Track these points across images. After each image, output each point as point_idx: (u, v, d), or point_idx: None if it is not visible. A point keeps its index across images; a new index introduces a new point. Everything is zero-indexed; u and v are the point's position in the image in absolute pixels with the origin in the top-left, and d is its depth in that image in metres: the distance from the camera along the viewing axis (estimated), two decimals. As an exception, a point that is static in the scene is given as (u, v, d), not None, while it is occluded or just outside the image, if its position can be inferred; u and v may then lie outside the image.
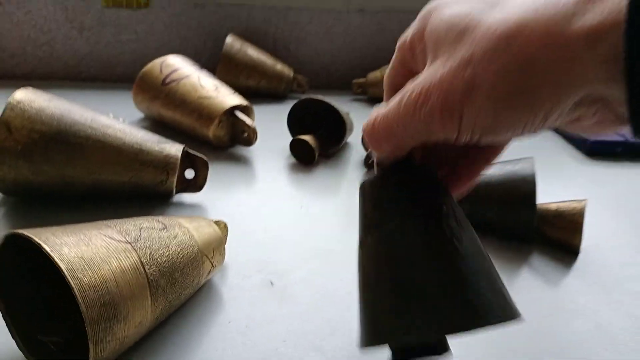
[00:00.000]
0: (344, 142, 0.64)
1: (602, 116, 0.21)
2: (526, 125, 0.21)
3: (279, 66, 0.80)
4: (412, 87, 0.23)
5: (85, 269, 0.29)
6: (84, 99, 0.74)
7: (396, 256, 0.23)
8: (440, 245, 0.23)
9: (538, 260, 0.46)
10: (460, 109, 0.21)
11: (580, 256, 0.47)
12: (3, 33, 0.80)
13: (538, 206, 0.47)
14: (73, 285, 0.27)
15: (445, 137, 0.23)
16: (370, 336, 0.24)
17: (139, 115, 0.69)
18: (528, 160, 0.48)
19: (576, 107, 0.20)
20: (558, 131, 0.76)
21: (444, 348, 0.25)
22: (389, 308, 0.23)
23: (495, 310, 0.21)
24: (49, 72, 0.84)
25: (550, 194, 0.58)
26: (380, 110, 0.25)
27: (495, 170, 0.47)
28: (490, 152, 0.27)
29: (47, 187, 0.46)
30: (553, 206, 0.47)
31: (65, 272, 0.28)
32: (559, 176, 0.64)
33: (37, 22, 0.80)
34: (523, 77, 0.20)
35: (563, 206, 0.47)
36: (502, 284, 0.24)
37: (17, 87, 0.76)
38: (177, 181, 0.49)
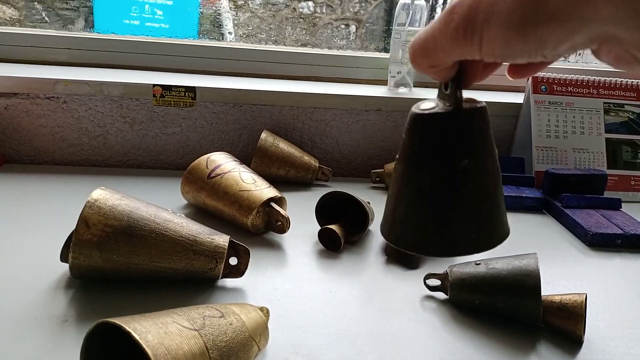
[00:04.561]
0: (366, 230, 0.71)
1: (617, 54, 0.22)
2: (536, 53, 0.22)
3: (306, 158, 0.89)
4: (449, 5, 0.25)
5: (166, 354, 0.36)
6: (133, 185, 0.84)
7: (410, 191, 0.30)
8: (445, 190, 0.29)
9: (545, 348, 0.51)
10: (481, 32, 0.23)
11: (584, 345, 0.52)
12: (65, 126, 0.91)
13: (543, 298, 0.52)
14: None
15: (471, 56, 0.24)
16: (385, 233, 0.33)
17: (184, 202, 0.78)
18: (532, 256, 0.54)
19: (589, 42, 0.22)
20: (562, 221, 0.83)
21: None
22: (402, 222, 0.31)
23: (463, 245, 0.30)
24: (101, 160, 0.94)
25: (555, 285, 0.64)
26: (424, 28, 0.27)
27: (503, 265, 0.54)
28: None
29: (113, 272, 0.53)
30: (557, 298, 0.53)
31: (152, 358, 0.34)
32: (563, 266, 0.69)
33: (95, 117, 0.91)
34: (536, 9, 0.21)
35: (566, 298, 0.52)
36: (489, 222, 0.30)
37: (72, 172, 0.86)
38: (222, 267, 0.56)
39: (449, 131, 0.29)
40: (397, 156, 0.31)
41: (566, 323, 0.52)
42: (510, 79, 0.30)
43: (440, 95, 0.30)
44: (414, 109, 0.30)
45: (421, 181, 0.30)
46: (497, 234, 0.31)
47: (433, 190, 0.29)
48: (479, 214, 0.30)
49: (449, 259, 0.68)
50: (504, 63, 0.25)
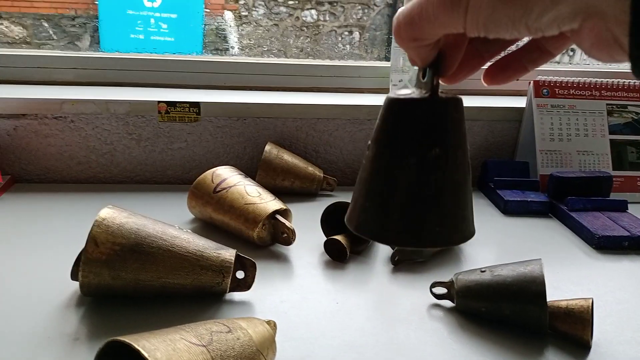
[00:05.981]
0: (371, 240, 0.72)
1: (598, 34, 0.23)
2: (520, 21, 0.23)
3: (311, 168, 0.90)
4: None
5: (175, 370, 0.36)
6: (141, 201, 0.85)
7: (381, 176, 0.30)
8: (413, 182, 0.29)
9: (552, 354, 0.51)
10: (467, 1, 0.24)
11: (592, 350, 0.52)
12: (73, 145, 0.93)
13: (549, 303, 0.52)
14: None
15: (455, 27, 0.25)
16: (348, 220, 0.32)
17: (191, 216, 0.79)
18: (537, 262, 0.54)
19: (574, 15, 0.23)
20: (568, 224, 0.83)
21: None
22: (361, 206, 0.31)
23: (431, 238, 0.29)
24: (109, 177, 0.95)
25: (562, 289, 0.64)
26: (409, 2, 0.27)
27: (508, 272, 0.54)
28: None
29: (122, 289, 0.54)
30: (563, 303, 0.53)
31: (161, 374, 0.35)
32: (570, 270, 0.69)
33: (102, 135, 0.93)
34: None
35: (572, 303, 0.52)
36: (455, 216, 0.30)
37: (81, 190, 0.88)
38: (230, 281, 0.57)
39: (423, 117, 0.29)
40: (369, 142, 0.31)
41: (573, 328, 0.52)
42: (485, 84, 0.30)
43: (418, 84, 0.30)
44: (390, 94, 0.30)
45: (390, 167, 0.29)
46: (460, 232, 0.30)
47: (401, 177, 0.29)
48: (444, 206, 0.29)
49: (455, 265, 0.68)
50: (487, 37, 0.25)
